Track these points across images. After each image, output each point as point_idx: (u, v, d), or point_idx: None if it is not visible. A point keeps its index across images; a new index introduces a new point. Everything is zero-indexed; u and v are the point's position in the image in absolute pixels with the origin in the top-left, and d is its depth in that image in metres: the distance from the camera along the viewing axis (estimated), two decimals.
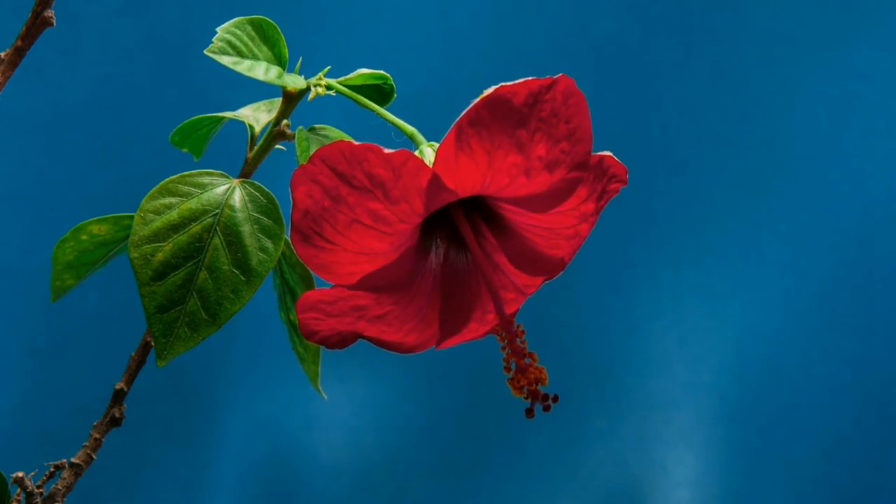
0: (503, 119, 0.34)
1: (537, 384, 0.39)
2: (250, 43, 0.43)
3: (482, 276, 0.40)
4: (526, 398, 0.39)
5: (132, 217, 0.41)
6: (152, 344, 0.45)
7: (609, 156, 0.39)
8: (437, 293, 0.41)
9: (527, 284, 0.42)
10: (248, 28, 0.43)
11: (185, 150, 0.53)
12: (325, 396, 0.51)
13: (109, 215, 0.47)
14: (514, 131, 0.35)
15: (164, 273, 0.40)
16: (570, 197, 0.38)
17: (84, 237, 0.47)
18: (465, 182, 0.36)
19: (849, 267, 0.90)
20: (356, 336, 0.39)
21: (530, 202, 0.38)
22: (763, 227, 0.90)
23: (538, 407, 0.40)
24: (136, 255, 0.40)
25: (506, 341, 0.40)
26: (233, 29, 0.43)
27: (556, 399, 0.39)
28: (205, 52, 0.41)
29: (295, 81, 0.44)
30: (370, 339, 0.40)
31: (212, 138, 0.53)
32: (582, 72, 0.90)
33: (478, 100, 0.34)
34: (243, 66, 0.42)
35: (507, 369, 0.39)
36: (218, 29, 0.42)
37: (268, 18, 0.44)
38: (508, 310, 0.42)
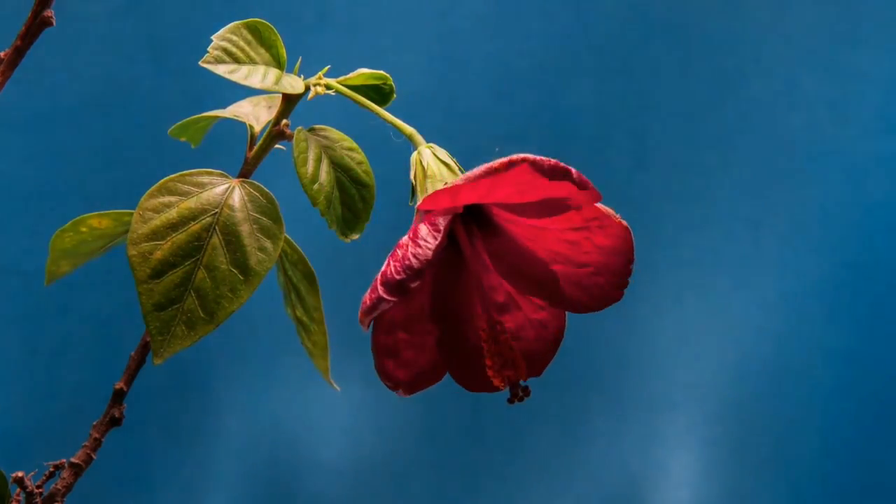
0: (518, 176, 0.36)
1: (518, 377, 0.40)
2: (247, 47, 0.43)
3: (470, 269, 0.41)
4: (505, 387, 0.40)
5: (133, 214, 0.41)
6: None
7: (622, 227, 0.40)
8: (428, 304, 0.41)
9: (514, 292, 0.43)
10: (245, 32, 0.43)
11: (183, 139, 0.53)
12: (338, 388, 0.51)
13: (110, 211, 0.47)
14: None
15: (162, 271, 0.40)
16: (562, 214, 0.39)
17: (84, 229, 0.48)
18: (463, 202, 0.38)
19: (849, 267, 0.90)
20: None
21: (524, 208, 0.39)
22: (763, 227, 0.90)
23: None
24: (135, 252, 0.40)
25: (491, 334, 0.40)
26: (228, 35, 0.43)
27: (528, 393, 0.41)
28: (200, 62, 0.41)
29: (293, 84, 0.44)
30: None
31: (210, 129, 0.54)
32: (582, 72, 0.90)
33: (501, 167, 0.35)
34: (240, 74, 0.42)
35: (490, 360, 0.40)
36: (213, 37, 0.42)
37: (264, 21, 0.44)
38: (505, 315, 0.42)
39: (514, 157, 0.36)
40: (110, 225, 0.47)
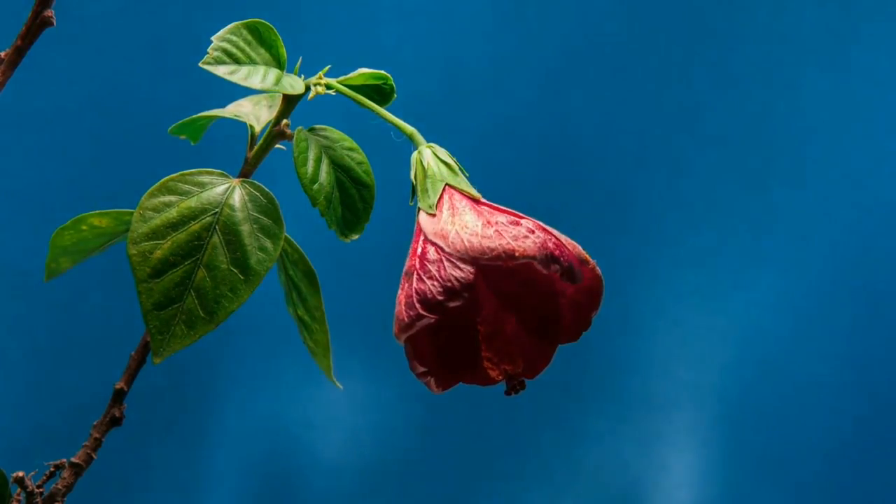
0: None
1: (515, 371, 0.41)
2: (247, 48, 0.43)
3: None
4: (501, 380, 0.42)
5: (133, 213, 0.41)
6: None
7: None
8: None
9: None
10: (244, 32, 0.43)
11: (182, 136, 0.53)
12: (341, 387, 0.52)
13: (111, 210, 0.47)
14: None
15: (162, 270, 0.40)
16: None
17: (84, 227, 0.48)
18: None
19: (849, 267, 0.90)
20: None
21: None
22: (763, 227, 0.90)
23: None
24: (135, 252, 0.40)
25: (489, 330, 0.41)
26: (228, 36, 0.42)
27: (524, 386, 0.42)
28: (200, 64, 0.41)
29: (293, 85, 0.44)
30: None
31: (210, 127, 0.54)
32: (582, 72, 0.90)
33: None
34: (240, 75, 0.42)
35: (489, 353, 0.41)
36: (213, 38, 0.42)
37: (264, 21, 0.44)
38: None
39: (524, 253, 0.37)
40: (111, 224, 0.47)
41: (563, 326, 0.41)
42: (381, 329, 0.89)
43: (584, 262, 0.39)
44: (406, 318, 0.38)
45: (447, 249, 0.38)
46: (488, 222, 0.39)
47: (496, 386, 0.41)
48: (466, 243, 0.38)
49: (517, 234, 0.38)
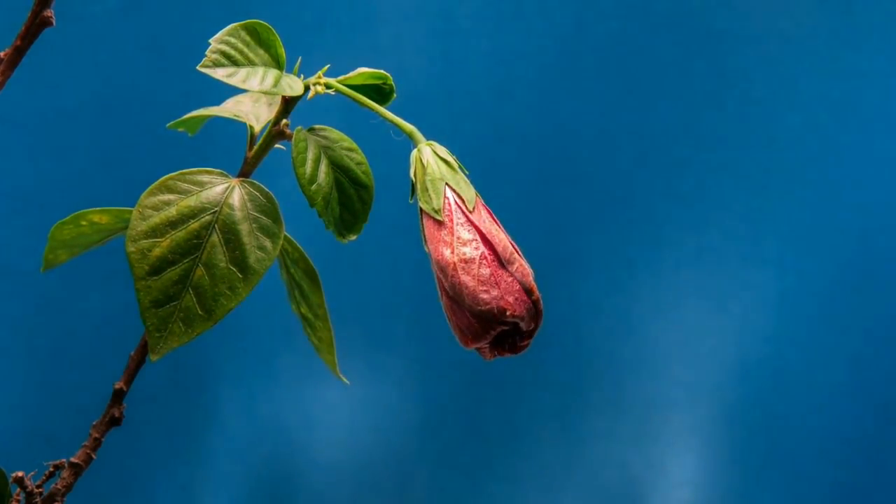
0: None
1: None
2: (245, 49, 0.43)
3: None
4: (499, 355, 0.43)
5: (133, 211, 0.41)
6: None
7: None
8: None
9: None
10: (243, 34, 0.43)
11: (180, 129, 0.53)
12: (347, 382, 0.52)
13: (111, 207, 0.48)
14: None
15: (160, 268, 0.41)
16: None
17: (84, 223, 0.48)
18: None
19: (849, 267, 0.90)
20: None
21: None
22: (763, 227, 0.90)
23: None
24: (134, 249, 0.40)
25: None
26: (226, 38, 0.43)
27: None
28: (198, 67, 0.41)
29: (292, 86, 0.44)
30: None
31: (208, 122, 0.54)
32: (582, 71, 0.90)
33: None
34: (238, 77, 0.42)
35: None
36: (211, 40, 0.42)
37: (262, 21, 0.44)
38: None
39: (513, 314, 0.40)
40: (110, 221, 0.48)
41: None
42: (381, 329, 0.89)
43: (529, 292, 0.40)
44: (481, 329, 0.40)
45: (449, 293, 0.40)
46: (484, 256, 0.40)
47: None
48: (465, 290, 0.40)
49: (508, 286, 0.40)
